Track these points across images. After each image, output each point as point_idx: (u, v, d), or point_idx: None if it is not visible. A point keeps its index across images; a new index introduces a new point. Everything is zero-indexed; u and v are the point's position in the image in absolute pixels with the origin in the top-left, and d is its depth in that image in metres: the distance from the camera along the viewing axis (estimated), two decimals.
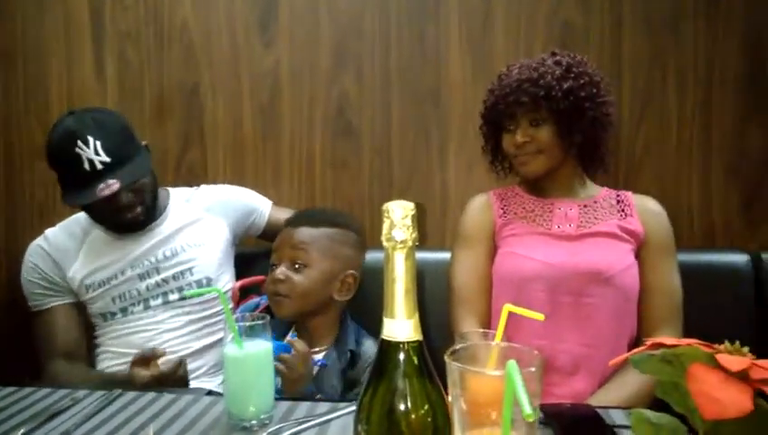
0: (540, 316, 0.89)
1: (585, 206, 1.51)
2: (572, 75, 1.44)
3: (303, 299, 1.45)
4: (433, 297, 1.63)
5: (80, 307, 1.66)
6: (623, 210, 1.51)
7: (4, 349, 1.95)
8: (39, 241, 1.67)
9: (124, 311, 1.62)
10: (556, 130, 1.45)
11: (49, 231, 1.69)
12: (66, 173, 1.54)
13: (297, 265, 1.46)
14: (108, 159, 1.51)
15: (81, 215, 1.69)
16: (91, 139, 1.50)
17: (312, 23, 2.00)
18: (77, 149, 1.49)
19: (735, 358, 0.57)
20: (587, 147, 1.51)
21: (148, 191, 1.63)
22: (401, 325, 0.63)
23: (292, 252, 1.47)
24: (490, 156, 1.64)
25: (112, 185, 1.49)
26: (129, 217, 1.59)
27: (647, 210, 1.51)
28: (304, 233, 1.49)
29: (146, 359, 1.37)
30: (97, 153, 1.50)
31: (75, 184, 1.52)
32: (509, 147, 1.52)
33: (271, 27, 2.02)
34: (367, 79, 2.00)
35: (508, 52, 1.92)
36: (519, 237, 1.50)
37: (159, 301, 1.63)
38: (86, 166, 1.49)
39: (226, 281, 1.73)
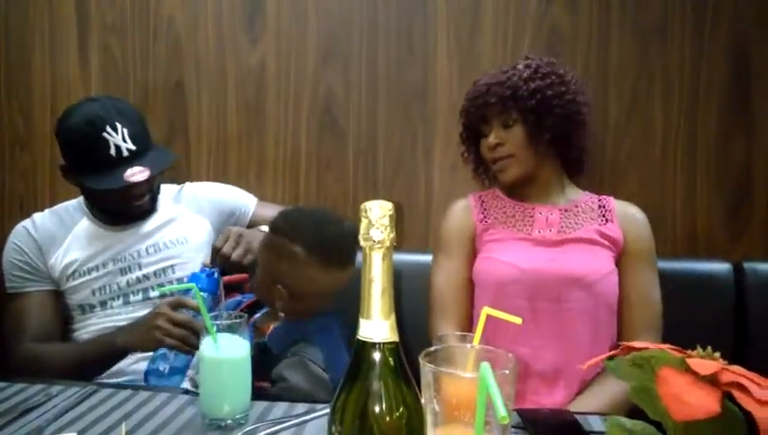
0: (517, 320, 0.89)
1: (566, 210, 1.51)
2: (539, 75, 1.47)
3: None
4: (411, 299, 1.62)
5: (57, 297, 1.63)
6: (604, 215, 1.51)
7: None
8: (25, 223, 1.66)
9: (103, 304, 1.61)
10: (527, 130, 1.47)
11: (37, 215, 1.68)
12: (88, 156, 1.52)
13: None
14: (134, 147, 1.53)
15: (71, 203, 1.70)
16: (119, 125, 1.52)
17: (299, 20, 1.99)
18: (105, 134, 1.50)
19: (706, 362, 0.57)
20: (559, 146, 1.51)
21: (157, 182, 1.66)
22: (377, 326, 0.62)
23: None
24: (473, 163, 1.65)
25: (142, 172, 1.51)
26: (136, 205, 1.61)
27: (627, 216, 1.51)
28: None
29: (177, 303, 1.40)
30: (124, 140, 1.53)
31: (96, 168, 1.52)
32: (485, 152, 1.54)
33: (258, 23, 2.01)
34: (353, 77, 1.99)
35: (495, 54, 1.92)
36: (499, 243, 1.49)
37: (140, 296, 1.62)
38: (112, 151, 1.51)
39: None
